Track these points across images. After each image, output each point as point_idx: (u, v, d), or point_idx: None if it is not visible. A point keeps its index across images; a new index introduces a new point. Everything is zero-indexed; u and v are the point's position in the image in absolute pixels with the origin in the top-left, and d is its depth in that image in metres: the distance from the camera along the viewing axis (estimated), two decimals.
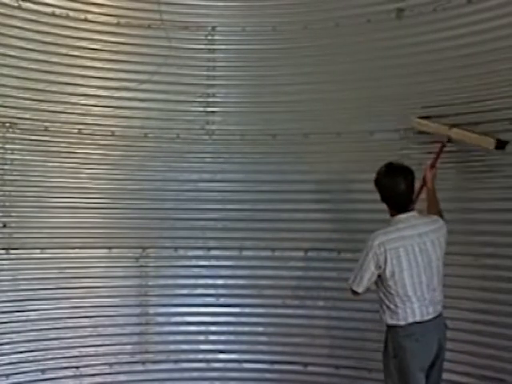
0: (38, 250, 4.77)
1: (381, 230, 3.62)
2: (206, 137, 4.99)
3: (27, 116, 4.71)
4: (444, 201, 4.04)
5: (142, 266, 4.97)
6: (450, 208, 4.13)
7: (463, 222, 4.31)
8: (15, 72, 4.65)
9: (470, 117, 4.25)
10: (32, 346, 4.72)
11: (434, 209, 3.88)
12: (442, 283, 3.64)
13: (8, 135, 4.67)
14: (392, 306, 3.55)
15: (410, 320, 3.51)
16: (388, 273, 3.51)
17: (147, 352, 4.98)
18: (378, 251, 3.52)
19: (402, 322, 3.52)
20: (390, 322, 3.58)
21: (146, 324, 5.00)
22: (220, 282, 5.01)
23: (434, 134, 4.34)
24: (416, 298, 3.51)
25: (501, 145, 4.00)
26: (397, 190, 3.59)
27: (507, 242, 4.15)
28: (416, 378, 3.53)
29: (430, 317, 3.53)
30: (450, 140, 4.21)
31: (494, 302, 4.16)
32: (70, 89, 4.82)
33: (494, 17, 4.15)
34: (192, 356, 5.00)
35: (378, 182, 3.69)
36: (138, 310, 4.98)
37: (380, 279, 3.58)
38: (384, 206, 4.10)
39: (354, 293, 3.70)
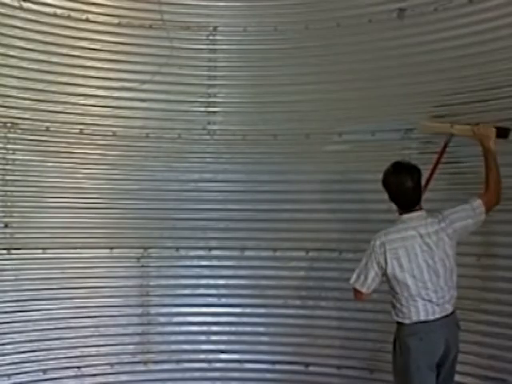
0: (39, 250, 4.77)
1: (383, 230, 3.64)
2: (208, 137, 4.99)
3: (28, 116, 4.72)
4: (444, 201, 4.03)
5: (143, 266, 4.97)
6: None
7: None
8: (16, 72, 4.66)
9: (471, 117, 4.23)
10: (34, 346, 4.73)
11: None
12: (453, 282, 3.61)
13: (9, 135, 4.67)
14: (398, 305, 3.58)
15: (414, 319, 3.52)
16: (389, 273, 3.55)
17: (149, 352, 4.98)
18: (379, 251, 3.55)
19: (406, 321, 3.55)
20: (396, 318, 3.61)
21: (148, 324, 5.00)
22: (221, 282, 5.01)
23: (439, 133, 4.31)
24: (420, 298, 3.52)
25: (502, 133, 3.92)
26: (403, 187, 3.60)
27: (509, 242, 4.14)
28: (420, 377, 3.53)
29: (437, 316, 3.53)
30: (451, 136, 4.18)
31: (496, 303, 4.15)
32: (71, 89, 4.82)
33: (495, 17, 4.14)
34: (193, 356, 5.00)
35: (384, 181, 3.70)
36: (139, 310, 4.98)
37: (386, 278, 3.61)
38: (385, 206, 4.12)
39: (358, 293, 3.69)
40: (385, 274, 3.57)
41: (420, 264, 3.53)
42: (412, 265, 3.53)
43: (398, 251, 3.54)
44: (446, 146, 4.15)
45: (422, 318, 3.51)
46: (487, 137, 3.81)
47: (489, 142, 3.79)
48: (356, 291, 3.68)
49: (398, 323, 3.61)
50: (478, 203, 3.64)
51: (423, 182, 3.77)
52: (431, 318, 3.52)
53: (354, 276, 3.64)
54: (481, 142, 3.85)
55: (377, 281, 3.60)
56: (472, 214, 3.63)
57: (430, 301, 3.52)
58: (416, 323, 3.52)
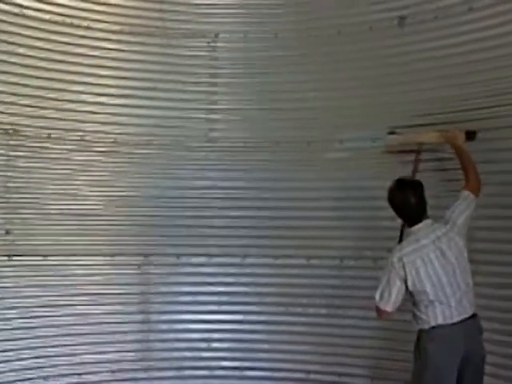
0: (40, 257, 4.76)
1: (397, 246, 3.74)
2: (209, 144, 5.00)
3: (30, 123, 4.72)
4: (444, 208, 4.01)
5: (144, 273, 4.97)
6: None
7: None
8: (18, 79, 4.65)
9: (472, 124, 4.22)
10: (35, 352, 4.72)
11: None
12: (470, 283, 3.65)
13: (11, 142, 4.68)
14: (417, 312, 3.64)
15: (433, 323, 3.57)
16: (410, 284, 3.61)
17: (150, 359, 4.98)
18: (398, 266, 3.62)
19: (425, 326, 3.60)
20: (416, 326, 3.67)
21: (149, 331, 5.00)
22: (222, 289, 4.99)
23: (405, 145, 4.42)
24: (439, 303, 3.57)
25: (470, 136, 4.11)
26: (407, 203, 3.69)
27: (509, 249, 4.13)
28: (438, 381, 3.57)
29: (455, 320, 3.57)
30: (421, 145, 4.31)
31: (494, 310, 4.13)
32: (73, 96, 4.83)
33: (495, 24, 4.15)
34: (194, 363, 4.99)
35: (389, 199, 3.79)
36: (140, 317, 4.98)
37: (406, 290, 3.67)
38: (386, 213, 4.11)
39: (382, 313, 3.71)
40: (406, 286, 3.63)
41: (437, 270, 3.60)
42: (430, 272, 3.59)
43: (416, 262, 3.61)
44: (419, 154, 4.29)
45: (440, 321, 3.56)
46: (456, 138, 4.08)
47: (459, 142, 4.07)
48: (379, 310, 3.71)
49: (418, 330, 3.66)
50: (466, 193, 3.79)
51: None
52: (449, 321, 3.57)
53: (378, 296, 3.67)
54: (452, 144, 4.11)
55: (400, 297, 3.64)
56: (466, 204, 3.75)
57: (449, 305, 3.57)
58: (434, 327, 3.57)
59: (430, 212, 3.75)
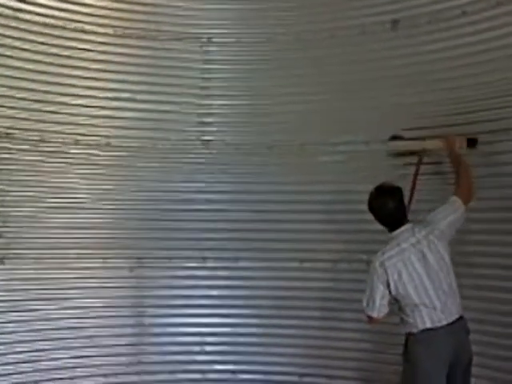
0: (33, 261, 4.74)
1: (380, 251, 3.75)
2: (202, 147, 5.00)
3: (22, 126, 4.69)
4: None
5: (137, 277, 4.96)
6: None
7: (456, 231, 4.29)
8: (9, 82, 4.64)
9: (465, 128, 4.26)
10: (27, 356, 4.70)
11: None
12: (454, 286, 3.68)
13: (3, 145, 4.66)
14: (404, 316, 3.68)
15: (421, 327, 3.60)
16: (393, 289, 3.65)
17: (142, 363, 4.97)
18: (380, 271, 3.66)
19: (413, 330, 3.64)
20: (404, 329, 3.71)
21: (142, 335, 4.99)
22: (215, 292, 4.99)
23: (409, 150, 4.44)
24: (424, 306, 3.60)
25: (471, 143, 4.15)
26: (385, 209, 3.75)
27: (501, 251, 4.16)
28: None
29: (443, 323, 3.59)
30: (424, 152, 4.32)
31: (486, 312, 4.16)
32: (65, 99, 4.81)
33: (488, 28, 4.18)
34: (188, 367, 4.98)
35: (369, 205, 3.85)
36: (133, 321, 4.96)
37: (390, 294, 3.69)
38: None
39: (370, 318, 3.78)
40: (389, 290, 3.66)
41: (419, 272, 3.63)
42: (412, 275, 3.63)
43: (397, 265, 3.64)
44: (420, 161, 4.31)
45: (428, 325, 3.59)
46: (454, 144, 4.10)
47: (456, 148, 4.09)
48: (368, 316, 3.77)
49: (406, 334, 3.69)
50: (453, 198, 3.81)
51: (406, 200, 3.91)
52: (438, 324, 3.59)
53: (364, 303, 3.74)
54: (449, 149, 4.12)
55: (385, 302, 3.69)
56: (451, 209, 3.78)
57: (434, 308, 3.59)
58: (423, 331, 3.60)
59: (421, 216, 3.80)
